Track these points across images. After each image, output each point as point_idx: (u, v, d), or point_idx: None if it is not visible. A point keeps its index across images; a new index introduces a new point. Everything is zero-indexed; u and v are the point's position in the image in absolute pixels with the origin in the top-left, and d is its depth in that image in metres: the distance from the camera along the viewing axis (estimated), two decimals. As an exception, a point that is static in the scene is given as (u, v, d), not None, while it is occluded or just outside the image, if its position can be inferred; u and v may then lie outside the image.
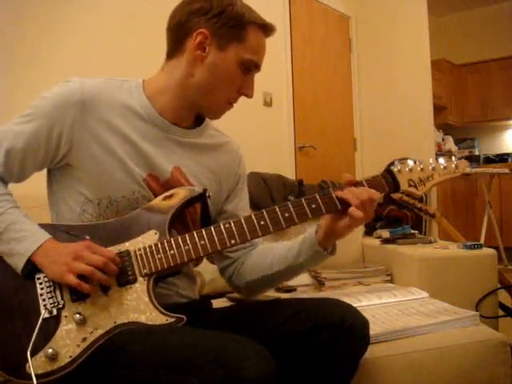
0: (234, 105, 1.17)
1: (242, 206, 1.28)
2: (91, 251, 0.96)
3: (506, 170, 4.66)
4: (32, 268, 0.98)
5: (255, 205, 2.21)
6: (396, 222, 2.44)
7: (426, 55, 4.21)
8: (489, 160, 5.82)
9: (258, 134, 3.30)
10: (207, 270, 1.70)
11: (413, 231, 2.26)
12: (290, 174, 3.33)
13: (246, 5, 1.11)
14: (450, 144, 5.68)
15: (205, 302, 1.29)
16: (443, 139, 5.64)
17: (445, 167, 1.12)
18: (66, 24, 2.28)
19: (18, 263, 0.97)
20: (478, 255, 1.90)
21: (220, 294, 1.76)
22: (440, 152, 5.23)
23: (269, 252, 1.22)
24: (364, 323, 1.08)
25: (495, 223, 4.55)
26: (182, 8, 1.10)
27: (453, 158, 1.14)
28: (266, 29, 1.11)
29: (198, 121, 1.21)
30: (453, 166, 1.12)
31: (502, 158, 5.74)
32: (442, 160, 1.13)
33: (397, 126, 4.29)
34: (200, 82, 1.10)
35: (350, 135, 4.42)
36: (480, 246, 1.95)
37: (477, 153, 6.13)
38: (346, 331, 1.03)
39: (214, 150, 1.22)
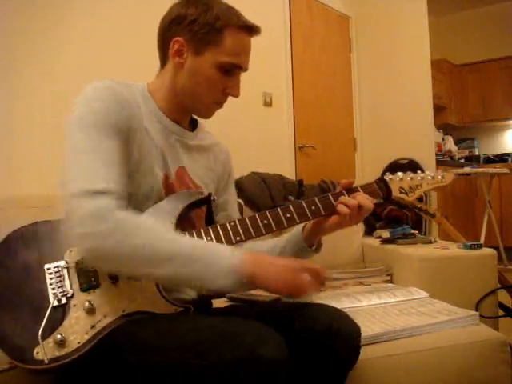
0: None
1: (230, 200, 1.35)
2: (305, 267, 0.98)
3: (506, 170, 4.66)
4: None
5: (255, 205, 2.22)
6: (396, 222, 2.44)
7: (426, 55, 4.21)
8: (489, 160, 5.82)
9: (258, 134, 3.30)
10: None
11: (413, 231, 2.26)
12: (290, 174, 3.33)
13: (224, 8, 1.12)
14: (450, 144, 5.68)
15: (205, 301, 1.30)
16: (443, 139, 5.64)
17: (432, 177, 1.24)
18: (68, 25, 2.28)
19: (228, 279, 0.93)
20: (478, 255, 1.90)
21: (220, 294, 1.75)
22: (440, 152, 5.23)
23: (256, 245, 1.26)
24: (353, 329, 1.07)
25: (495, 223, 4.56)
26: (164, 17, 1.16)
27: (439, 170, 1.27)
28: (247, 29, 1.12)
29: (192, 123, 1.27)
30: (439, 176, 1.24)
31: (502, 158, 5.74)
32: (428, 172, 1.26)
33: (397, 126, 4.29)
34: (184, 87, 1.14)
35: (350, 135, 4.42)
36: (480, 246, 1.95)
37: (477, 153, 6.13)
38: (336, 337, 1.03)
39: (209, 150, 1.29)
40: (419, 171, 1.25)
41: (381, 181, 1.23)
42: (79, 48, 2.30)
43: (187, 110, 1.20)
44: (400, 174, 1.23)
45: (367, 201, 1.14)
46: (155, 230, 0.97)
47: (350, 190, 1.18)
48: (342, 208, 1.13)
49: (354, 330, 1.08)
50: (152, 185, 1.11)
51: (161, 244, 0.94)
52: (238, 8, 1.19)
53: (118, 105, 1.05)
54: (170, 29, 1.13)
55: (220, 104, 1.19)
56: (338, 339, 1.04)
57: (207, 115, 1.21)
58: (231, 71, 1.13)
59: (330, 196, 1.16)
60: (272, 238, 1.28)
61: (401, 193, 1.22)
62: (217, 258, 0.94)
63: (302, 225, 1.20)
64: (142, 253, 0.92)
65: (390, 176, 1.23)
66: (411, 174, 1.24)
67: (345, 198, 1.14)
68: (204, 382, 0.88)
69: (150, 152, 1.11)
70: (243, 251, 0.99)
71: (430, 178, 1.24)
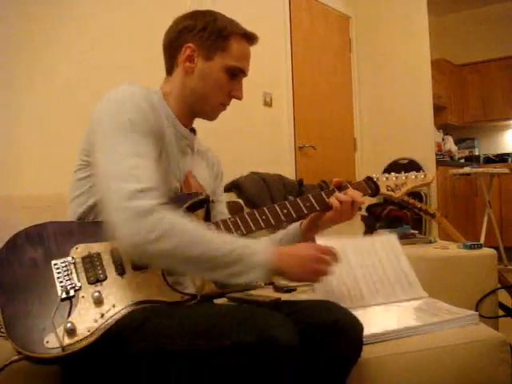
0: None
1: (221, 199, 1.42)
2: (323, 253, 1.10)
3: (506, 170, 4.65)
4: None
5: (255, 205, 2.22)
6: (396, 222, 2.44)
7: (426, 55, 4.21)
8: (489, 160, 5.82)
9: (258, 134, 3.31)
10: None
11: (413, 231, 2.26)
12: (290, 174, 3.33)
13: (228, 18, 1.24)
14: (450, 144, 5.68)
15: (208, 301, 1.30)
16: (443, 139, 5.64)
17: (415, 176, 1.38)
18: (70, 26, 2.28)
19: (262, 275, 1.03)
20: (478, 255, 1.90)
21: (220, 294, 1.76)
22: (440, 152, 5.23)
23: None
24: (356, 326, 1.10)
25: (495, 223, 4.55)
26: (171, 28, 1.24)
27: (421, 171, 1.40)
28: (249, 38, 1.23)
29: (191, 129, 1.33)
30: (422, 176, 1.38)
31: (502, 158, 5.74)
32: (411, 172, 1.39)
33: (397, 126, 4.29)
34: (194, 90, 1.22)
35: (350, 135, 4.42)
36: (480, 246, 1.95)
37: (477, 153, 6.13)
38: (337, 333, 1.06)
39: (205, 155, 1.37)
40: (403, 172, 1.38)
41: (369, 179, 1.34)
42: (80, 49, 2.30)
43: (195, 113, 1.26)
44: (386, 174, 1.37)
45: (358, 195, 1.24)
46: (193, 229, 1.03)
47: (341, 187, 1.28)
48: (334, 202, 1.22)
49: (357, 327, 1.10)
50: (173, 188, 1.18)
51: (200, 246, 1.01)
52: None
53: (149, 107, 1.11)
54: (179, 37, 1.21)
55: (225, 106, 1.27)
56: (342, 335, 1.06)
57: (213, 117, 1.28)
58: (236, 75, 1.23)
59: (323, 193, 1.25)
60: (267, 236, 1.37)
61: (388, 190, 1.34)
62: (250, 255, 1.03)
63: (299, 221, 1.29)
64: (182, 252, 1.00)
65: (377, 175, 1.36)
66: (396, 175, 1.37)
67: (337, 194, 1.24)
68: (216, 366, 0.90)
69: (172, 156, 1.19)
70: (269, 246, 1.09)
71: (413, 177, 1.37)
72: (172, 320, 0.97)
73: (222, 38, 1.19)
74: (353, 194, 1.24)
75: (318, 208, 1.24)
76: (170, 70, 1.26)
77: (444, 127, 5.80)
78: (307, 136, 3.83)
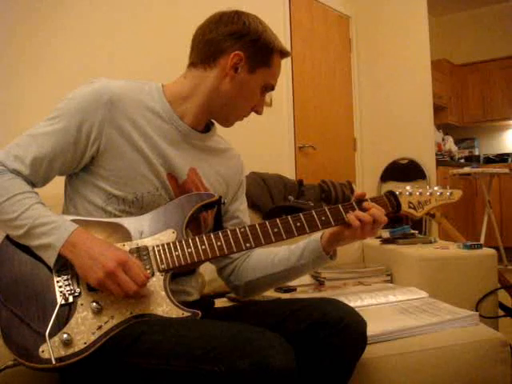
0: None
1: (242, 208, 1.34)
2: (124, 270, 0.97)
3: (506, 170, 4.65)
4: (64, 261, 0.99)
5: (255, 205, 2.21)
6: (396, 222, 2.44)
7: (426, 55, 4.21)
8: (489, 160, 5.82)
9: (258, 133, 3.30)
10: (207, 270, 1.71)
11: (413, 231, 2.26)
12: (290, 174, 3.33)
13: (272, 31, 1.19)
14: (450, 144, 5.68)
15: (208, 301, 1.31)
16: (443, 139, 5.64)
17: (441, 193, 1.23)
18: (67, 26, 2.28)
19: (50, 257, 0.99)
20: (478, 255, 1.90)
21: (220, 294, 1.76)
22: (440, 152, 5.23)
23: (270, 253, 1.26)
24: (361, 322, 1.09)
25: (495, 223, 4.55)
26: (217, 26, 1.16)
27: (447, 187, 1.26)
28: (284, 54, 1.20)
29: (205, 126, 1.26)
30: (448, 193, 1.24)
31: (502, 158, 5.74)
32: (436, 187, 1.25)
33: (397, 126, 4.29)
34: (226, 96, 1.17)
35: (350, 135, 4.42)
36: (480, 246, 1.95)
37: (477, 153, 6.13)
38: (343, 330, 1.05)
39: (221, 154, 1.29)
40: (427, 186, 1.25)
41: (391, 194, 1.20)
42: (83, 45, 2.30)
43: (213, 114, 1.22)
44: (409, 188, 1.23)
45: (381, 214, 1.13)
46: (11, 190, 1.01)
47: (360, 201, 1.16)
48: (354, 222, 1.12)
49: (361, 323, 1.09)
50: (155, 183, 1.13)
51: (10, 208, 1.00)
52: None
53: (94, 106, 1.08)
54: (226, 40, 1.14)
55: (243, 118, 1.24)
56: (348, 333, 1.05)
57: (230, 125, 1.24)
58: (266, 91, 1.20)
59: (341, 207, 1.15)
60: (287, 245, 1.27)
61: (410, 208, 1.21)
62: (47, 235, 0.99)
63: (320, 233, 1.21)
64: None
65: (400, 190, 1.22)
66: (420, 189, 1.23)
67: (359, 213, 1.13)
68: None
69: (145, 150, 1.12)
70: (73, 232, 1.00)
71: (438, 194, 1.23)
72: (169, 337, 0.95)
73: (268, 53, 1.16)
74: (374, 212, 1.13)
75: (333, 224, 1.14)
76: (197, 64, 1.18)
77: (444, 127, 5.81)
78: (307, 136, 3.83)
